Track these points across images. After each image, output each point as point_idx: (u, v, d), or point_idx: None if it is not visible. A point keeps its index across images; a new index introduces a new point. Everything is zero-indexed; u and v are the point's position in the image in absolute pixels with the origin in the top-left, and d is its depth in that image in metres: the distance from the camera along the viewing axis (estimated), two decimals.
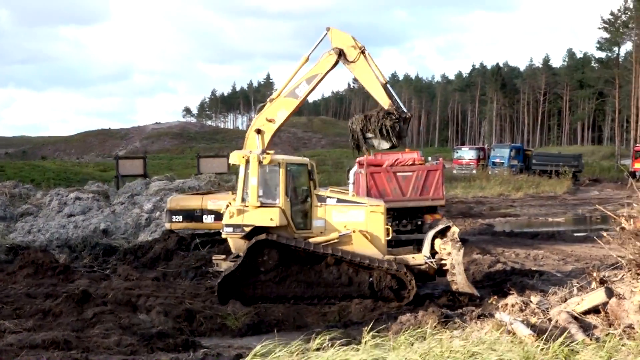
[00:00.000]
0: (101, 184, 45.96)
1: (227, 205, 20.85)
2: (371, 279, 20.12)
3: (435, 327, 13.51)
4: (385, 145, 27.13)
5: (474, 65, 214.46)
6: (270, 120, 28.50)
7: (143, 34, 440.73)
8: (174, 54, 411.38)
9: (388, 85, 28.52)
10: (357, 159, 29.98)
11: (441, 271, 20.86)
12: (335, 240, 20.39)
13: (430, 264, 20.61)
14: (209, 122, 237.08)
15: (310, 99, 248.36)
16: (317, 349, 11.90)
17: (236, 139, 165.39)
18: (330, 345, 11.92)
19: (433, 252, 20.79)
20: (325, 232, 20.56)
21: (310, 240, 20.38)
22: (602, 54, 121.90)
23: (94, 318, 17.01)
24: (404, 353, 11.14)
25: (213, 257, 22.62)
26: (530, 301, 17.26)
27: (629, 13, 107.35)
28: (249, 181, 20.29)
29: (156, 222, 34.79)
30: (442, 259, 20.65)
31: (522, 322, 14.39)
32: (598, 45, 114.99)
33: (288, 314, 18.37)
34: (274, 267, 20.11)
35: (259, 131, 28.39)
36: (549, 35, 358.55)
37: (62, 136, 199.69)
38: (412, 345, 11.78)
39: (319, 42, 28.30)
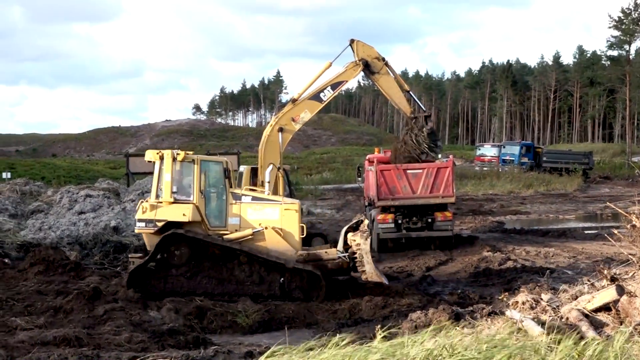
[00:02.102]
0: (112, 181, 46.14)
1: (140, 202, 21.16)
2: (282, 278, 20.43)
3: (445, 324, 13.49)
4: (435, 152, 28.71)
5: (483, 63, 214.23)
6: (293, 120, 29.05)
7: (155, 31, 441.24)
8: (186, 51, 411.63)
9: (411, 92, 29.81)
10: (367, 156, 30.05)
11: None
12: (249, 237, 20.65)
13: (343, 258, 20.85)
14: (219, 120, 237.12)
15: None
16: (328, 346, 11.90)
17: (246, 136, 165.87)
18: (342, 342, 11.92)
19: (347, 247, 21.00)
20: (241, 229, 20.80)
21: (225, 237, 20.65)
22: (613, 53, 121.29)
23: (105, 315, 17.06)
24: (415, 350, 11.12)
25: (129, 256, 22.89)
26: (541, 299, 17.24)
27: (639, 10, 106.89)
28: (163, 177, 20.54)
29: None
30: (354, 252, 20.84)
31: (533, 319, 14.36)
32: (608, 45, 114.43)
33: (298, 311, 18.40)
34: (185, 262, 20.45)
35: (281, 129, 28.82)
36: (560, 32, 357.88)
37: (73, 134, 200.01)
38: (423, 342, 11.76)
39: (342, 52, 29.35)
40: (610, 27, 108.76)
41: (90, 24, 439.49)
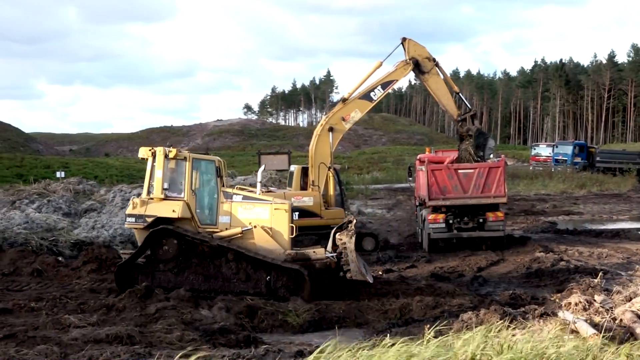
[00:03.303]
0: None
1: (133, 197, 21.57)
2: (269, 276, 20.54)
3: (497, 325, 13.40)
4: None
5: (536, 62, 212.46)
6: (344, 120, 29.16)
7: (208, 31, 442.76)
8: (239, 50, 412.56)
9: (460, 94, 29.87)
10: (418, 156, 29.98)
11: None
12: (238, 235, 20.76)
13: (331, 258, 20.86)
14: (270, 119, 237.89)
15: None
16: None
17: (297, 135, 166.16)
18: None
19: (336, 248, 20.94)
20: (231, 228, 20.91)
21: (215, 235, 20.79)
22: None
23: (157, 313, 17.19)
24: (465, 350, 11.07)
25: (121, 251, 23.24)
26: (594, 300, 17.09)
27: None
28: (155, 174, 20.75)
29: None
30: (341, 252, 20.76)
31: (586, 321, 14.25)
32: None
33: (349, 310, 18.38)
34: (172, 257, 20.66)
35: (331, 129, 28.96)
36: (616, 30, 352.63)
37: (126, 133, 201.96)
38: (475, 343, 11.70)
39: (394, 50, 29.48)
40: None
41: (144, 24, 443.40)
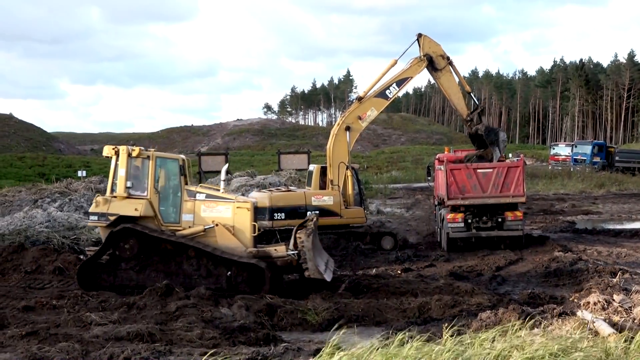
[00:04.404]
0: None
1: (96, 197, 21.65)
2: (229, 272, 20.69)
3: (516, 324, 13.37)
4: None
5: (555, 61, 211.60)
6: (360, 118, 29.19)
7: (229, 31, 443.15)
8: (259, 50, 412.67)
9: (472, 94, 29.84)
10: (437, 155, 29.98)
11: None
12: (201, 233, 20.84)
13: (292, 256, 20.90)
14: (289, 119, 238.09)
15: None
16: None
17: (316, 135, 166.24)
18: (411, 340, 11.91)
19: (296, 245, 21.01)
20: (194, 226, 21.00)
21: (177, 233, 20.88)
22: None
23: (177, 311, 17.26)
24: (484, 350, 11.07)
25: (86, 249, 23.36)
26: (613, 299, 17.02)
27: None
28: (118, 172, 20.85)
29: None
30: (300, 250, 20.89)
31: (605, 320, 14.20)
32: None
33: (368, 309, 18.37)
34: (133, 255, 20.78)
35: (348, 128, 28.97)
36: (636, 30, 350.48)
37: (146, 133, 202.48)
38: (493, 342, 11.69)
39: (409, 47, 29.48)
40: None
41: (166, 24, 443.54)
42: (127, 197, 20.74)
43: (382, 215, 43.02)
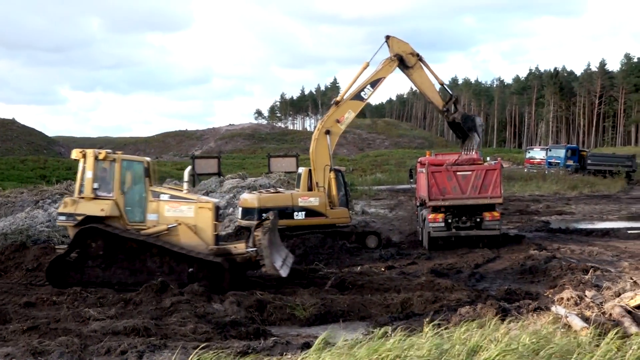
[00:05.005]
0: (178, 181, 46.45)
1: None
2: (191, 269, 20.74)
3: (493, 319, 13.39)
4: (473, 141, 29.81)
5: (530, 70, 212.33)
6: (338, 122, 29.17)
7: (223, 40, 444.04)
8: (251, 58, 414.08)
9: (445, 85, 29.83)
10: (419, 159, 30.01)
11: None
12: (164, 232, 20.90)
13: (251, 252, 21.03)
14: (279, 124, 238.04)
15: (374, 102, 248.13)
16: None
17: (304, 139, 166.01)
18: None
19: (255, 243, 21.17)
20: (158, 225, 21.03)
21: (142, 232, 20.94)
22: None
23: (172, 307, 17.23)
24: (462, 343, 11.08)
25: (56, 247, 23.27)
26: (585, 295, 17.08)
27: None
28: (85, 174, 20.91)
29: (229, 218, 35.07)
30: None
31: (577, 315, 14.24)
32: None
33: (353, 305, 18.35)
34: (99, 254, 20.80)
35: (328, 132, 28.97)
36: (608, 40, 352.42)
37: (143, 137, 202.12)
38: (471, 335, 11.71)
39: (379, 49, 29.40)
40: None
41: (163, 33, 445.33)
42: (94, 198, 20.79)
43: (367, 216, 43.01)
